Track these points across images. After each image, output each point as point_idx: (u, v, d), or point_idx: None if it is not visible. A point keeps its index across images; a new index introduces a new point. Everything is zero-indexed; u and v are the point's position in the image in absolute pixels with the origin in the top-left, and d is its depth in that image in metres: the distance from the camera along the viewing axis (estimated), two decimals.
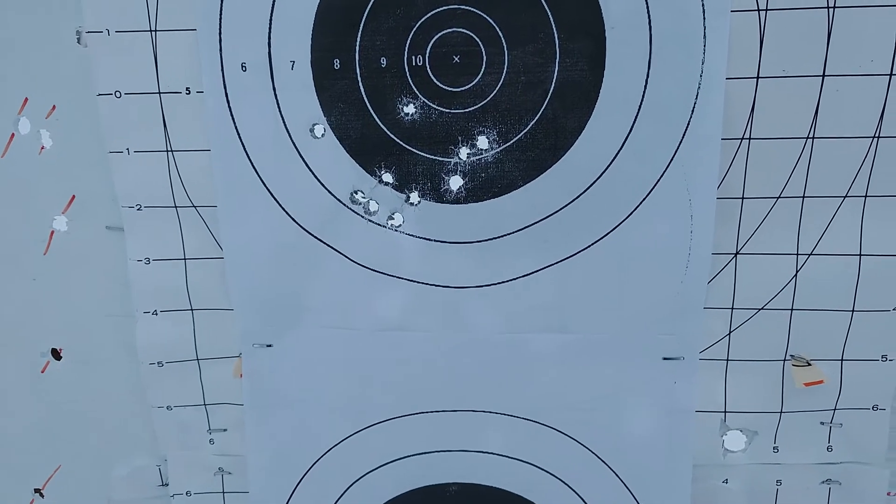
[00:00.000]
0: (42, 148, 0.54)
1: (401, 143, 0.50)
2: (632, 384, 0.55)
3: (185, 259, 0.55)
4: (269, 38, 0.49)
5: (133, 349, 0.57)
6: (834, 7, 0.45)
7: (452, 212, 0.51)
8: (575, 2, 0.46)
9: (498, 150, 0.50)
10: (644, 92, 0.47)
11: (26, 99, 0.53)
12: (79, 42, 0.51)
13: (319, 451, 0.58)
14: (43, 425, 0.61)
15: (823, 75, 0.47)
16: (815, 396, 0.54)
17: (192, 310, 0.56)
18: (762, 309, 0.53)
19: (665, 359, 0.54)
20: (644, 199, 0.50)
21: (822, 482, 0.57)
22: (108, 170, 0.53)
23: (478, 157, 0.50)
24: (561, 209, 0.51)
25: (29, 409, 0.61)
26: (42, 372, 0.60)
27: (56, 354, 0.59)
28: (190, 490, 0.61)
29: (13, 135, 0.54)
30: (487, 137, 0.50)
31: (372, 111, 0.50)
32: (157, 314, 0.56)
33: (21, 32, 0.52)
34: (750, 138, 0.48)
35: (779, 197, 0.50)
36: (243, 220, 0.53)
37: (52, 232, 0.56)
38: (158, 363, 0.57)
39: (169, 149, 0.52)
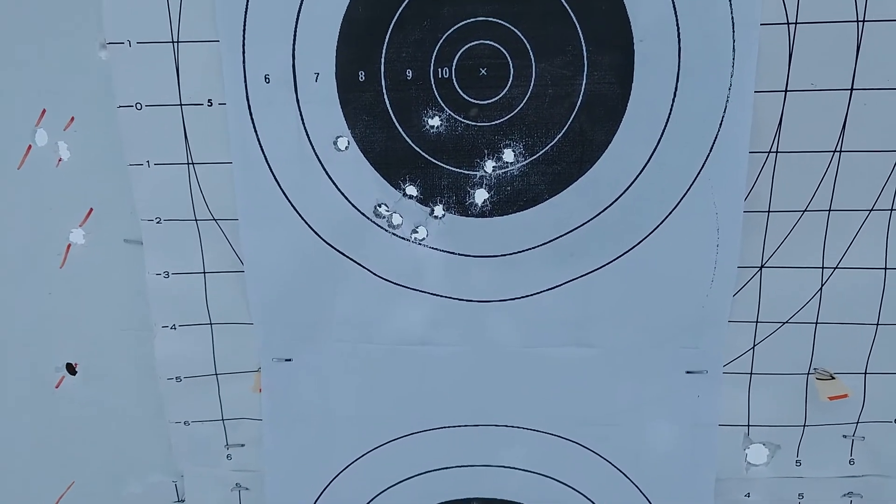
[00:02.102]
0: (59, 160, 0.53)
1: (426, 155, 0.50)
2: (655, 398, 0.54)
3: (204, 273, 0.54)
4: (294, 49, 0.48)
5: (149, 364, 0.56)
6: (863, 21, 0.45)
7: (477, 225, 0.51)
8: (603, 14, 0.46)
9: (524, 163, 0.49)
10: (672, 105, 0.47)
11: (44, 110, 0.52)
12: (100, 53, 0.50)
13: (339, 467, 0.57)
14: (57, 441, 0.60)
15: (852, 89, 0.47)
16: (838, 410, 0.54)
17: (211, 324, 0.56)
18: (787, 322, 0.52)
19: (688, 372, 0.54)
20: (671, 213, 0.50)
21: (845, 495, 0.56)
22: (127, 182, 0.52)
23: (503, 171, 0.50)
24: (587, 222, 0.50)
25: (43, 424, 0.60)
26: (56, 387, 0.59)
27: (71, 369, 0.58)
28: None
29: (30, 146, 0.53)
30: (513, 150, 0.49)
31: (397, 123, 0.49)
32: (175, 328, 0.55)
33: (40, 43, 0.51)
34: (777, 151, 0.48)
35: (805, 210, 0.50)
36: (265, 233, 0.52)
37: (69, 245, 0.55)
38: (177, 378, 0.56)
39: (190, 161, 0.51)
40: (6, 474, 0.61)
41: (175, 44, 0.49)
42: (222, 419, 0.58)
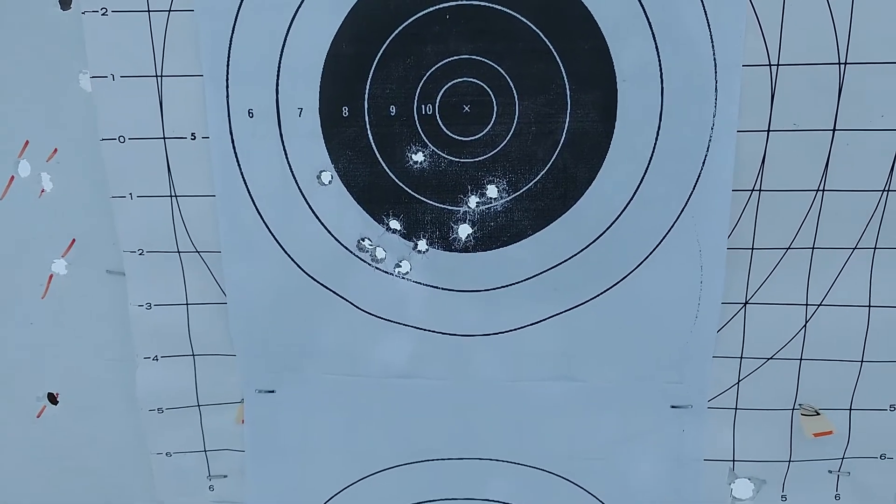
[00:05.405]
0: (42, 191, 0.53)
1: (409, 191, 0.50)
2: (640, 432, 0.54)
3: (187, 304, 0.54)
4: (278, 84, 0.48)
5: (131, 395, 0.56)
6: (845, 63, 0.45)
7: (461, 260, 0.51)
8: (587, 54, 0.46)
9: (507, 199, 0.49)
10: (655, 143, 0.47)
11: (27, 142, 0.52)
12: (81, 84, 0.50)
13: (322, 499, 0.57)
14: (38, 471, 0.60)
15: (834, 129, 0.47)
16: (823, 445, 0.54)
17: (193, 355, 0.55)
18: (771, 358, 0.52)
19: (673, 407, 0.54)
20: (654, 249, 0.50)
21: None
22: (110, 213, 0.52)
23: (487, 206, 0.50)
24: (570, 258, 0.50)
25: (24, 454, 0.59)
26: (38, 417, 0.58)
27: (52, 399, 0.58)
28: None
29: (13, 177, 0.53)
30: (497, 186, 0.49)
31: (380, 159, 0.49)
32: (157, 359, 0.55)
33: (24, 74, 0.51)
34: (760, 190, 0.48)
35: (788, 248, 0.50)
36: (248, 266, 0.52)
37: (51, 276, 0.55)
38: (158, 409, 0.56)
39: (173, 194, 0.51)
40: None
41: (159, 77, 0.49)
42: (205, 450, 0.58)
